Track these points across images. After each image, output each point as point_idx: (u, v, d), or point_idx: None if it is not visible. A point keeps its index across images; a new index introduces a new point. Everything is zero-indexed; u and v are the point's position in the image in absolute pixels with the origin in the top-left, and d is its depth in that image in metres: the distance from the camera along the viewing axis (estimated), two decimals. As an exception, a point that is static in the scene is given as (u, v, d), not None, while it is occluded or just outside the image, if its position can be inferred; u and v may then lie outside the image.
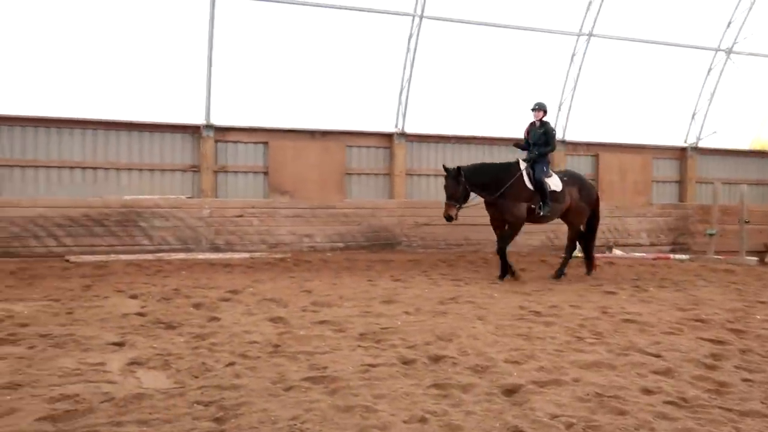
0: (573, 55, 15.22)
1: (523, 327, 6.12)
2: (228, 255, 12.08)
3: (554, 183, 9.85)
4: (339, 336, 5.63)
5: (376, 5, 13.56)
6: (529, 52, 14.91)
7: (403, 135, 14.50)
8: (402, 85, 14.26)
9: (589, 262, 10.58)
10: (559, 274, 10.06)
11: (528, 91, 14.98)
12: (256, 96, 13.48)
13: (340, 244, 13.22)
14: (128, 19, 12.28)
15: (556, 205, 9.83)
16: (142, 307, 6.97)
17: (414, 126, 14.57)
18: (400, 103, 14.40)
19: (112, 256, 11.44)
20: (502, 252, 9.59)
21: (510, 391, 4.09)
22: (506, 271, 9.56)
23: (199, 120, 13.16)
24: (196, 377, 4.34)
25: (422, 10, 13.73)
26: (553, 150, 9.97)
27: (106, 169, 12.72)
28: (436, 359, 4.85)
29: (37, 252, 11.37)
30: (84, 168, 12.58)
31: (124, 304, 7.16)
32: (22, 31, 11.78)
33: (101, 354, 4.93)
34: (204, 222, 12.39)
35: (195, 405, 3.75)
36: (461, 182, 9.22)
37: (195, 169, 13.24)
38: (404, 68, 14.16)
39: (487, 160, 15.24)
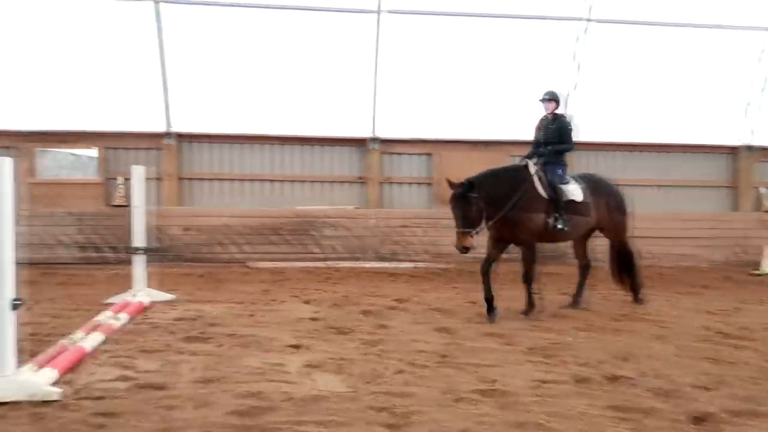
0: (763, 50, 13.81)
1: (710, 349, 5.62)
2: (393, 264, 12.37)
3: (573, 191, 7.69)
4: (507, 349, 5.54)
5: (541, 12, 13.22)
6: (711, 49, 13.72)
7: (568, 143, 13.98)
8: (567, 92, 13.77)
9: (635, 286, 8.28)
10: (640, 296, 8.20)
11: (705, 91, 13.80)
12: (419, 108, 13.68)
13: (504, 255, 12.96)
14: (299, 43, 13.02)
15: (578, 218, 7.65)
16: (315, 312, 7.34)
17: (580, 133, 13.99)
18: (565, 109, 13.92)
19: (287, 263, 12.19)
20: (529, 281, 7.60)
21: (699, 419, 3.76)
22: (533, 303, 7.49)
23: (365, 133, 13.64)
24: (368, 382, 4.47)
25: (589, 13, 13.17)
26: (570, 149, 7.90)
27: (281, 181, 13.60)
28: (612, 379, 4.60)
29: (221, 258, 12.40)
30: (262, 180, 13.56)
31: (298, 308, 7.60)
32: (208, 60, 12.95)
33: (280, 355, 5.25)
34: (370, 232, 12.80)
35: (368, 410, 3.86)
36: (473, 200, 7.11)
37: (362, 180, 13.74)
38: (570, 74, 13.67)
39: (656, 169, 14.34)
